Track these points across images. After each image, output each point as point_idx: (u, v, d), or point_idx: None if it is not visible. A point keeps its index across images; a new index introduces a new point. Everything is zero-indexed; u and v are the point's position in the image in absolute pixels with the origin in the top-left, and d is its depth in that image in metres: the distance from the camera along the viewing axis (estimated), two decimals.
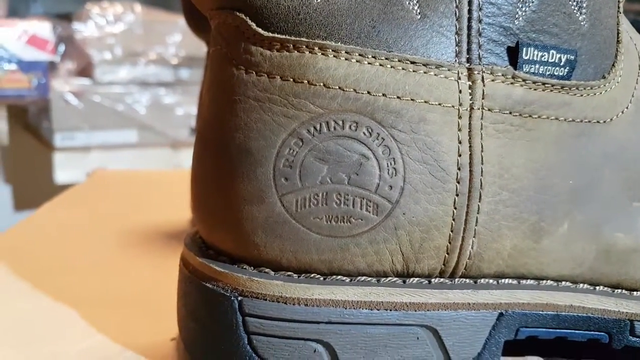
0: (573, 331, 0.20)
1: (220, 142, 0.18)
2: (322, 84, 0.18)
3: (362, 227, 0.18)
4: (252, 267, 0.18)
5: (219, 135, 0.18)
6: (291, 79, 0.18)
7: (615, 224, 0.21)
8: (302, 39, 0.18)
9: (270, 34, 0.18)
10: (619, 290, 0.21)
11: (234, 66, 0.19)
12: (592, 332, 0.20)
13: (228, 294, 0.18)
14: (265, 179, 0.18)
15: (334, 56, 0.18)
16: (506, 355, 0.20)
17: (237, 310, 0.18)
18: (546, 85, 0.19)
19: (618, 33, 0.21)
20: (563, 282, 0.20)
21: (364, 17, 0.18)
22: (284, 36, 0.18)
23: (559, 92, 0.20)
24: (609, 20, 0.21)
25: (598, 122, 0.21)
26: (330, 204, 0.18)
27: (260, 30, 0.18)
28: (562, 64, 0.20)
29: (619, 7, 0.21)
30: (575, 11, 0.20)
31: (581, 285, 0.21)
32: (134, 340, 0.21)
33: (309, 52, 0.18)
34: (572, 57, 0.19)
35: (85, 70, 0.76)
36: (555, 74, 0.19)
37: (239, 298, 0.18)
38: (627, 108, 0.21)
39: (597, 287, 0.21)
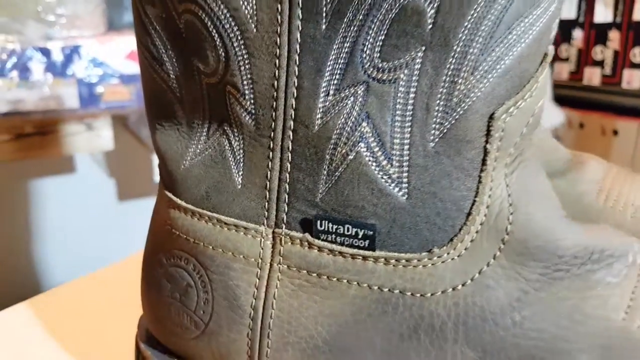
0: None
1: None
2: (174, 228, 0.24)
3: (192, 334, 0.24)
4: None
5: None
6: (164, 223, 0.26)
7: None
8: (171, 196, 0.25)
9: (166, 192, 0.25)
10: None
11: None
12: None
13: None
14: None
15: (181, 211, 0.24)
16: None
17: None
18: (343, 253, 0.21)
19: (472, 206, 0.20)
20: None
21: (202, 185, 0.24)
22: (169, 193, 0.25)
23: (360, 260, 0.21)
24: (452, 192, 0.20)
25: (412, 294, 0.20)
26: (171, 314, 0.25)
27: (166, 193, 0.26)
28: (359, 237, 0.21)
29: (480, 179, 0.20)
30: (389, 185, 0.20)
31: None
32: None
33: (172, 208, 0.25)
34: (371, 232, 0.20)
35: None
36: (355, 244, 0.21)
37: None
38: (462, 286, 0.20)
39: None
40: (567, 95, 1.20)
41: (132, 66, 0.73)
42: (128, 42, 0.73)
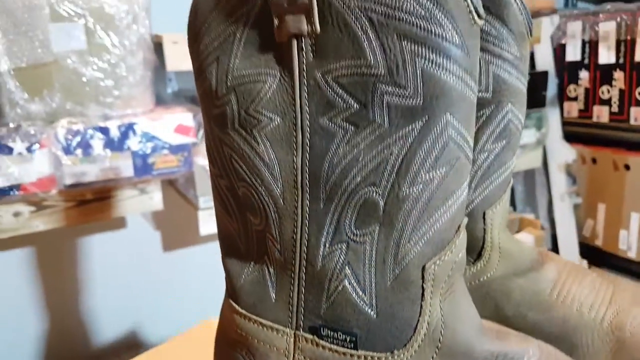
0: None
1: None
2: (234, 325, 0.35)
3: None
4: None
5: None
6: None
7: None
8: (232, 303, 0.36)
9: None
10: None
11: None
12: None
13: None
14: None
15: (238, 314, 0.35)
16: None
17: None
18: (337, 351, 0.31)
19: (417, 323, 0.30)
20: None
21: (251, 297, 0.34)
22: (231, 300, 0.36)
23: (349, 356, 0.31)
24: (405, 313, 0.30)
25: None
26: None
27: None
28: (347, 340, 0.31)
29: (420, 305, 0.31)
30: (364, 308, 0.31)
31: None
32: None
33: (233, 312, 0.36)
34: (354, 338, 0.31)
35: None
36: (345, 345, 0.31)
37: None
38: None
39: None
40: (578, 132, 1.27)
41: (179, 138, 0.83)
42: (175, 118, 0.83)
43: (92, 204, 0.85)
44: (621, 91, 1.17)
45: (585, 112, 1.25)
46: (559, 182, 1.26)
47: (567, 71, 1.26)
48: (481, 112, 0.40)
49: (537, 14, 1.06)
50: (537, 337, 0.38)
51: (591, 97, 1.23)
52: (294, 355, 0.32)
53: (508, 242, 0.41)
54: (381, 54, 0.27)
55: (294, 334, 0.33)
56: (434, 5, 0.26)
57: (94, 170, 0.81)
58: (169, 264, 1.10)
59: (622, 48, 1.15)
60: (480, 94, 0.39)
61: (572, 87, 1.26)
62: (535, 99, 1.14)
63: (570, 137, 1.27)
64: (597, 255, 1.28)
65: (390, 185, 0.29)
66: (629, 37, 1.13)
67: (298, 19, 0.28)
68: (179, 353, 0.48)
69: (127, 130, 0.81)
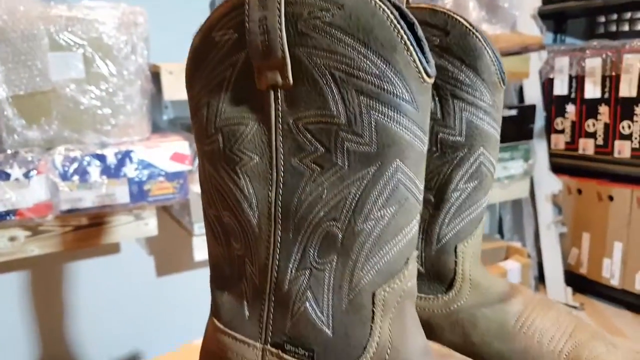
0: None
1: None
2: (216, 340, 0.39)
3: None
4: None
5: None
6: None
7: None
8: (215, 320, 0.40)
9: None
10: None
11: None
12: None
13: None
14: None
15: (219, 330, 0.39)
16: None
17: None
18: None
19: (367, 342, 0.34)
20: None
21: (229, 314, 0.39)
22: (214, 318, 0.40)
23: None
24: (357, 333, 0.34)
25: None
26: None
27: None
28: (306, 355, 0.35)
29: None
30: (322, 327, 0.34)
31: None
32: None
33: (214, 328, 0.39)
34: (312, 354, 0.35)
35: None
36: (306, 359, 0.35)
37: None
38: None
39: None
40: (564, 163, 1.30)
41: (175, 166, 0.85)
42: (171, 146, 0.84)
43: (87, 229, 0.86)
44: (606, 125, 1.20)
45: (572, 144, 1.28)
46: (546, 211, 1.29)
47: (554, 105, 1.30)
48: (455, 155, 0.43)
49: (526, 49, 1.10)
50: None
51: (577, 130, 1.26)
52: None
53: (479, 275, 0.44)
54: (342, 106, 0.31)
55: (263, 348, 0.37)
56: (386, 65, 0.30)
57: (90, 196, 0.82)
58: (162, 289, 1.11)
59: (608, 83, 1.19)
60: (454, 137, 0.43)
61: (559, 120, 1.29)
62: (523, 131, 1.17)
63: (557, 168, 1.30)
64: (581, 283, 1.31)
65: (348, 220, 0.33)
66: (614, 73, 1.17)
67: (274, 73, 0.32)
68: None
69: (124, 157, 0.82)
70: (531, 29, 1.20)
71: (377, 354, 0.33)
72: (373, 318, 0.34)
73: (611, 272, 1.23)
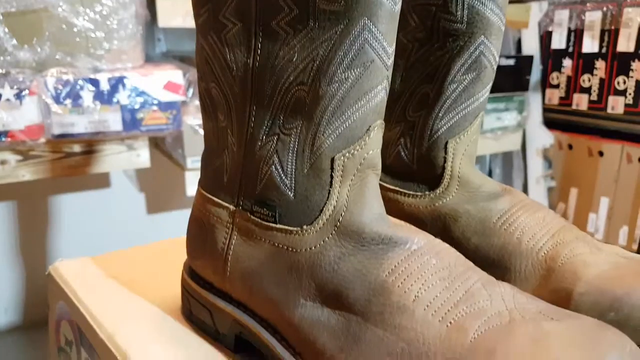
0: None
1: None
2: (202, 203, 0.42)
3: (200, 256, 0.42)
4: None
5: None
6: None
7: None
8: (200, 188, 0.43)
9: None
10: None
11: None
12: None
13: None
14: None
15: (203, 197, 0.42)
16: None
17: None
18: (262, 225, 0.37)
19: (324, 206, 0.35)
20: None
21: (210, 182, 0.42)
22: (200, 187, 0.44)
23: (270, 230, 0.37)
24: (316, 197, 0.35)
25: (291, 249, 0.36)
26: (200, 251, 0.43)
27: None
28: (270, 216, 0.36)
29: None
30: (285, 190, 0.36)
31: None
32: None
33: (200, 194, 0.43)
34: (275, 214, 0.36)
35: None
36: (269, 220, 0.37)
37: None
38: (314, 247, 0.35)
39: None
40: (557, 118, 1.30)
41: (169, 95, 0.83)
42: (165, 74, 0.83)
43: (79, 156, 0.85)
44: (601, 80, 1.20)
45: (566, 99, 1.28)
46: (536, 165, 1.30)
47: (551, 59, 1.29)
48: (455, 44, 0.42)
49: None
50: (477, 261, 0.40)
51: (572, 85, 1.26)
52: (233, 226, 0.39)
53: (469, 173, 0.44)
54: None
55: (235, 210, 0.39)
56: None
57: (82, 121, 0.81)
58: (153, 226, 1.11)
59: (606, 38, 1.18)
60: (454, 25, 0.41)
61: (555, 74, 1.29)
62: (520, 82, 1.16)
63: (549, 123, 1.30)
64: None
65: (313, 83, 0.33)
66: (613, 27, 1.16)
67: None
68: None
69: (117, 83, 0.81)
70: None
71: (332, 217, 0.35)
72: (331, 182, 0.35)
73: (596, 226, 1.25)
